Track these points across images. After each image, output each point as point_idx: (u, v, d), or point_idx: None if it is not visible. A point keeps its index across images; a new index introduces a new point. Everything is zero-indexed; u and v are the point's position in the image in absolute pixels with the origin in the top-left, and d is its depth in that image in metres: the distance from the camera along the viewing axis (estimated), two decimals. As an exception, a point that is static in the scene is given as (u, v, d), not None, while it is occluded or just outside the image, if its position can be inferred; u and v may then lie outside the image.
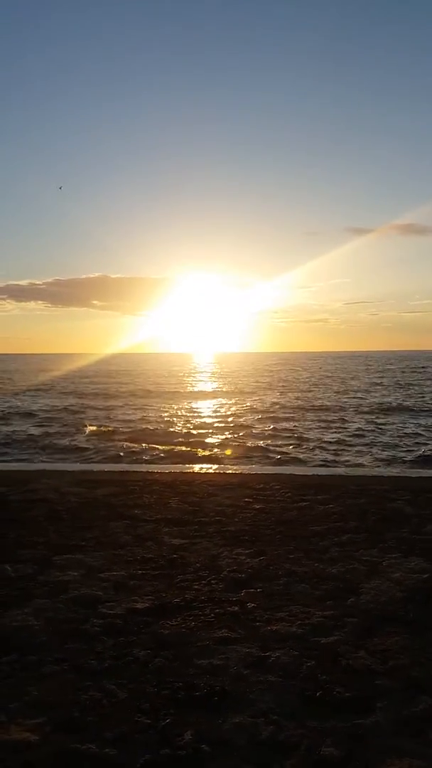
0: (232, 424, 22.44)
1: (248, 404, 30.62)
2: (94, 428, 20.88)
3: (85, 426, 21.41)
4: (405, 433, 19.56)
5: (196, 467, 12.62)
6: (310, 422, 22.79)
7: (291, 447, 17.05)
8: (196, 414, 26.45)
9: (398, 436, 18.88)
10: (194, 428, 21.33)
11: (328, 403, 29.82)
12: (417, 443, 17.68)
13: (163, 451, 16.42)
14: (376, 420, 23.03)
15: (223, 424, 22.64)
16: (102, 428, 20.71)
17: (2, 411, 27.17)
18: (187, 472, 10.73)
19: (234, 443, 18.03)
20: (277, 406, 28.38)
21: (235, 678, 3.23)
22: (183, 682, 3.18)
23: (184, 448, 17.06)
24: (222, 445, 17.80)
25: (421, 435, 19.12)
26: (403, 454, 15.99)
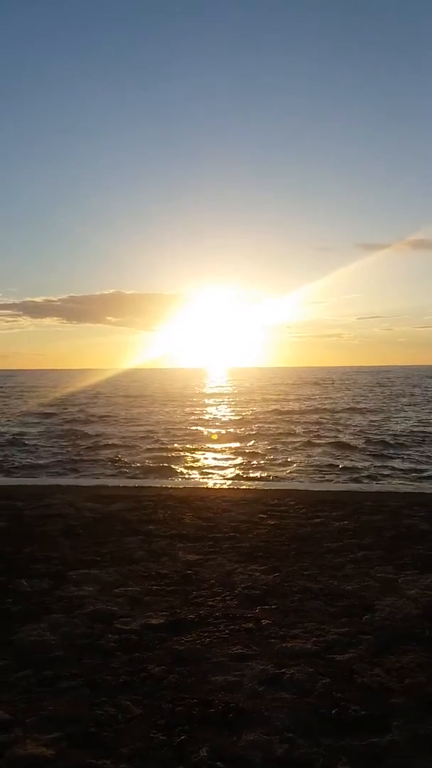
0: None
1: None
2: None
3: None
4: None
5: (210, 483, 12.63)
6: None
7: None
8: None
9: None
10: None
11: None
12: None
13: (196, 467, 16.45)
14: None
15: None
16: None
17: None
18: (201, 488, 10.74)
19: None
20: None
21: (249, 695, 3.23)
22: (198, 698, 3.19)
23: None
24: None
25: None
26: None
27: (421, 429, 25.04)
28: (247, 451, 19.60)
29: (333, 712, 3.06)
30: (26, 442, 21.71)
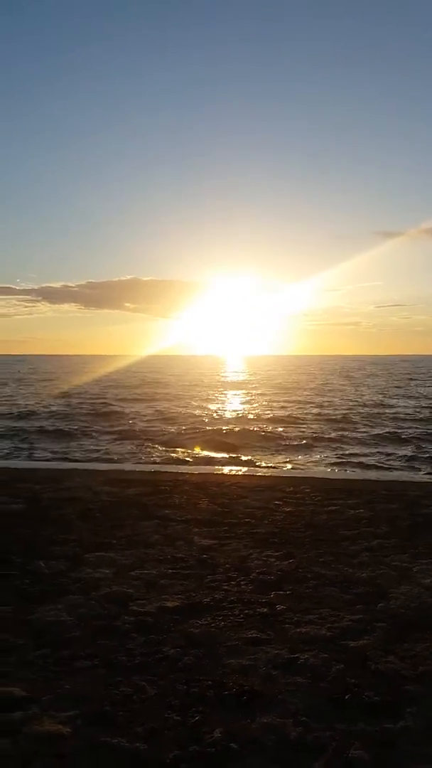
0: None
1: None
2: None
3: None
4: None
5: (226, 469, 12.66)
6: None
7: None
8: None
9: None
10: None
11: None
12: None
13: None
14: None
15: (253, 427, 22.56)
16: None
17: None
18: (217, 474, 10.78)
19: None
20: None
21: (264, 678, 3.25)
22: (212, 680, 3.22)
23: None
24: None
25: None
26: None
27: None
28: (263, 438, 19.61)
29: (347, 697, 3.07)
30: (45, 428, 21.89)
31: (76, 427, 21.90)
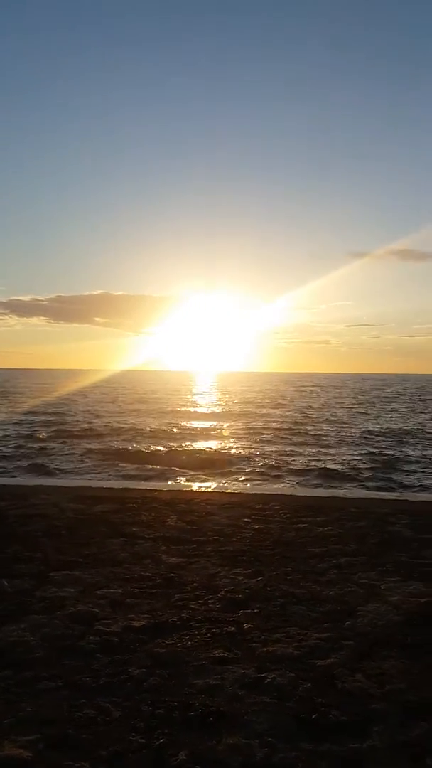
0: (232, 444, 22.33)
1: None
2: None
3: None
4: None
5: (195, 486, 12.62)
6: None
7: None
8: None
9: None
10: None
11: None
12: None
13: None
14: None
15: (223, 444, 22.54)
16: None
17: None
18: (186, 491, 10.73)
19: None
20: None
21: (230, 698, 3.22)
22: (178, 701, 3.17)
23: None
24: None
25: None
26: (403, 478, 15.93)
27: (411, 439, 25.19)
28: (233, 455, 19.61)
29: (313, 716, 3.05)
30: (11, 444, 21.57)
31: (43, 444, 21.60)
